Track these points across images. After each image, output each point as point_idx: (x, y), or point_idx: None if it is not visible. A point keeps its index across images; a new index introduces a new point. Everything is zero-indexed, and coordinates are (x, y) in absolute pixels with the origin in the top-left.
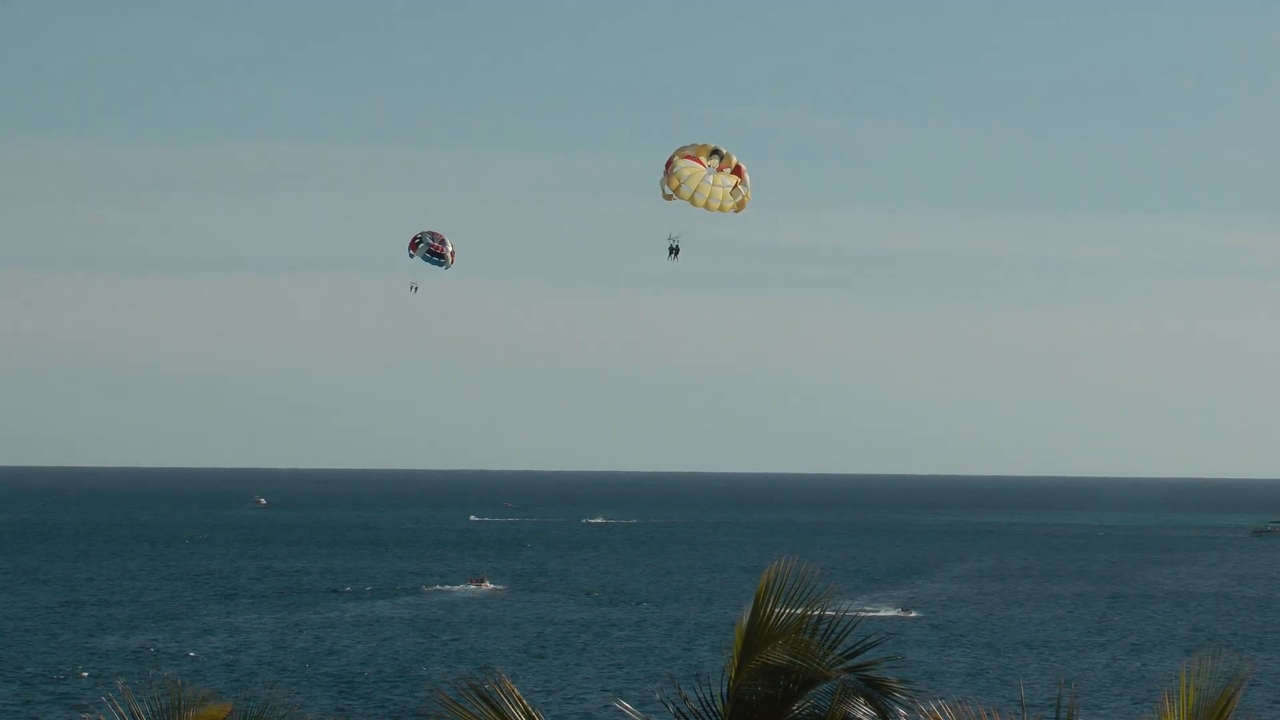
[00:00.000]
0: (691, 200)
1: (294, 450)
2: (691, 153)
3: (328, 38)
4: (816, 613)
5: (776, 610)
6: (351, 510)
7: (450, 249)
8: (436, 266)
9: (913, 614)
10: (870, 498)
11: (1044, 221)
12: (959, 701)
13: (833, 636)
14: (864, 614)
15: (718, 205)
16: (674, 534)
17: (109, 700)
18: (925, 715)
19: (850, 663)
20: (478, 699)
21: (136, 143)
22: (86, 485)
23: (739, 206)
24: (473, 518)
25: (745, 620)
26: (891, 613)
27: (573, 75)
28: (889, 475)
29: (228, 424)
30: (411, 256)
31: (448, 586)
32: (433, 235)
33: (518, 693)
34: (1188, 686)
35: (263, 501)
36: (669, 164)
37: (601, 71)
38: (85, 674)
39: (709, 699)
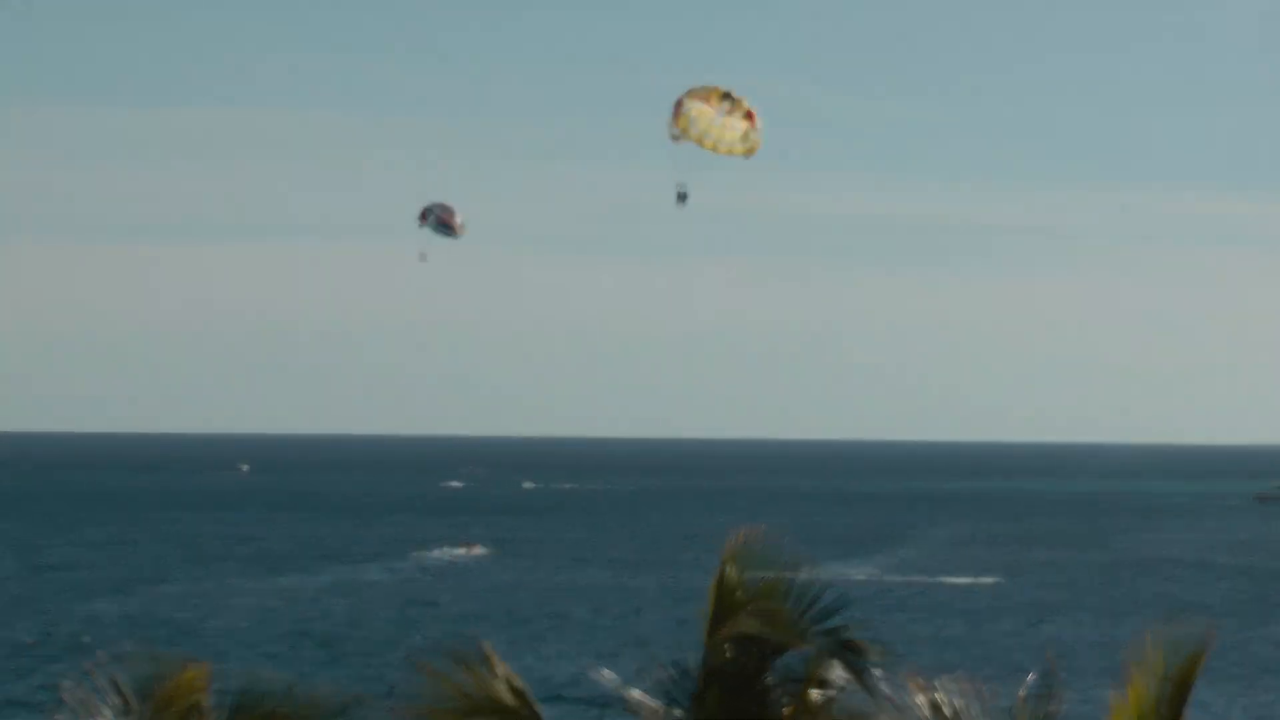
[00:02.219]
0: (699, 141)
1: (275, 416)
2: (702, 94)
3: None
4: (787, 577)
5: (745, 575)
6: (333, 475)
7: (459, 220)
8: (445, 237)
9: (1025, 581)
10: (845, 465)
11: (1034, 190)
12: (932, 671)
13: (804, 602)
14: (838, 578)
15: (726, 148)
16: (647, 500)
17: (88, 668)
18: (900, 679)
19: (823, 626)
20: (459, 665)
21: (127, 106)
22: (66, 450)
23: (749, 151)
24: (447, 483)
25: (713, 587)
26: (865, 577)
27: (573, 44)
28: (863, 441)
29: (214, 389)
30: (421, 227)
31: (436, 551)
32: (442, 207)
33: (497, 658)
34: (1153, 654)
35: (245, 469)
36: (678, 105)
37: (597, 41)
38: (48, 641)
39: (685, 666)
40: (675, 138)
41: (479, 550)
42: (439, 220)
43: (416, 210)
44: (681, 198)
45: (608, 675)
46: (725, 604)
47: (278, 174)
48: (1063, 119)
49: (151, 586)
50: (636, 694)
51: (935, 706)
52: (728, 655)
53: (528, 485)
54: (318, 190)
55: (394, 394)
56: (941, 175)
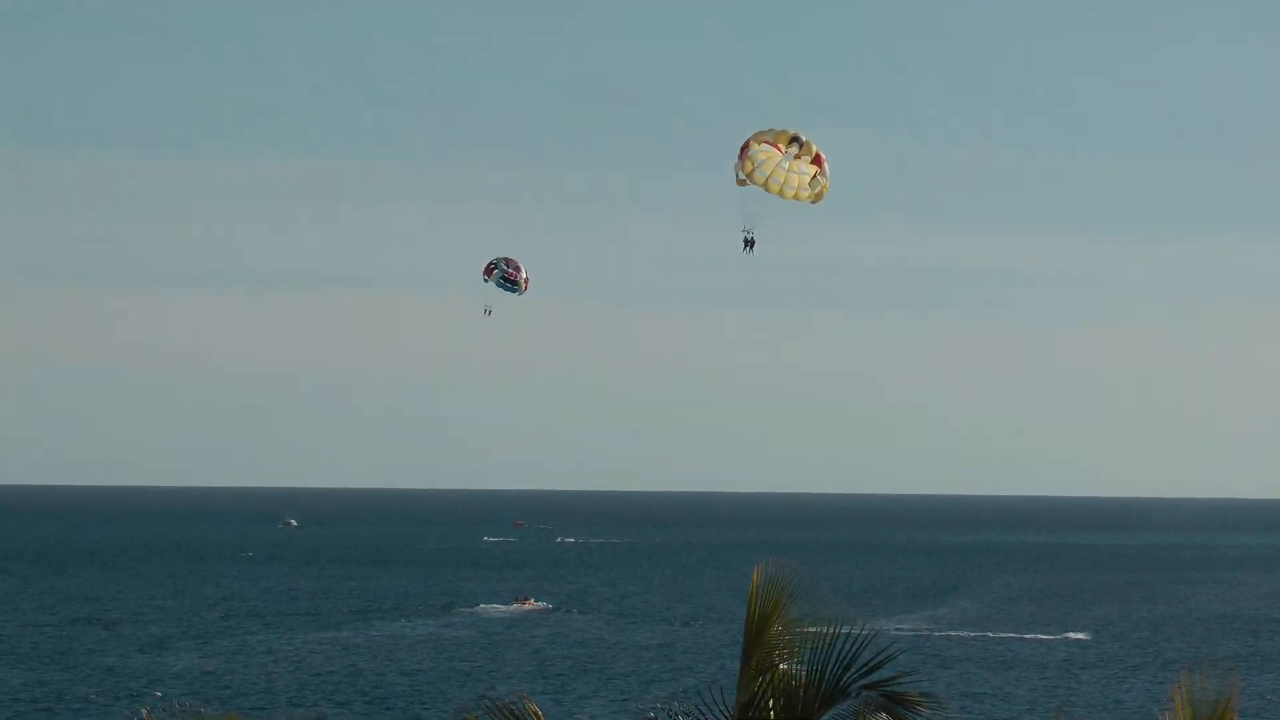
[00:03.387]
0: (765, 186)
1: (317, 470)
2: (770, 138)
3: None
4: (829, 630)
5: (780, 620)
6: (379, 530)
7: (524, 276)
8: (510, 293)
9: (1080, 635)
10: (899, 518)
11: (1076, 240)
12: None
13: (848, 654)
14: (893, 630)
15: (793, 193)
16: (696, 554)
17: None
18: None
19: (869, 679)
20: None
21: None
22: (112, 504)
23: (816, 197)
24: (489, 537)
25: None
26: (923, 630)
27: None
28: (918, 495)
29: (253, 443)
30: (486, 281)
31: (489, 606)
32: (508, 261)
33: (540, 714)
34: (1182, 706)
35: (293, 523)
36: (744, 148)
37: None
38: (97, 694)
39: (717, 715)
40: (740, 182)
41: (533, 605)
42: (504, 276)
43: (480, 264)
44: (748, 244)
45: None
46: (756, 649)
47: (321, 222)
48: (1126, 166)
49: (205, 640)
50: None
51: None
52: (767, 708)
53: (564, 540)
54: (365, 240)
55: (429, 448)
56: (1001, 222)
